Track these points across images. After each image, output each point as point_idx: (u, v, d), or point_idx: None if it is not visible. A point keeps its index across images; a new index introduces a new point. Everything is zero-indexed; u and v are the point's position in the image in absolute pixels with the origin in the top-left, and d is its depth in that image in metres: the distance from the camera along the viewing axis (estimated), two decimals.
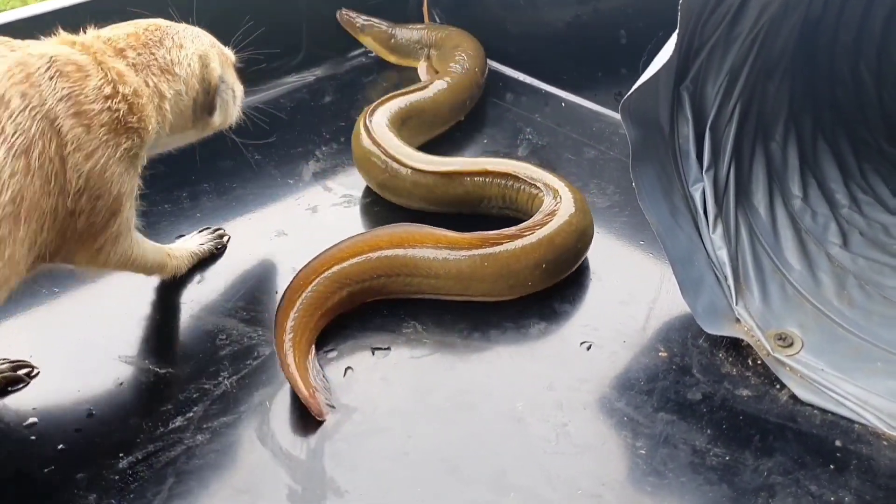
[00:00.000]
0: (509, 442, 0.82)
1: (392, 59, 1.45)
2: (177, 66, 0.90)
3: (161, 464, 0.80)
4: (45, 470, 0.79)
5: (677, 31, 0.84)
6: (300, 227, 1.11)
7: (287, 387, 0.87)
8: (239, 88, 1.01)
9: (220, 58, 0.97)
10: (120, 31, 0.91)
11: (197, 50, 0.93)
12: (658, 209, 0.91)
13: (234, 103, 0.99)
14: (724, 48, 0.93)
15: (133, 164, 0.88)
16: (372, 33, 1.44)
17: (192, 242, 1.05)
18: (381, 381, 0.88)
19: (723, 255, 0.93)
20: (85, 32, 0.90)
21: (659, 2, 1.18)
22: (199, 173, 1.17)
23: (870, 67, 1.19)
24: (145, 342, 0.94)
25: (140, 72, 0.87)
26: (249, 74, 1.29)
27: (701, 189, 0.94)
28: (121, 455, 0.81)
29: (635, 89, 0.86)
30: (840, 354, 0.88)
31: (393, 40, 1.43)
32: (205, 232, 1.07)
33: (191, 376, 0.89)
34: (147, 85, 0.87)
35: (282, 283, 1.01)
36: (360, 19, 1.44)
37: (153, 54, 0.89)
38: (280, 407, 0.85)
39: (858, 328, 0.91)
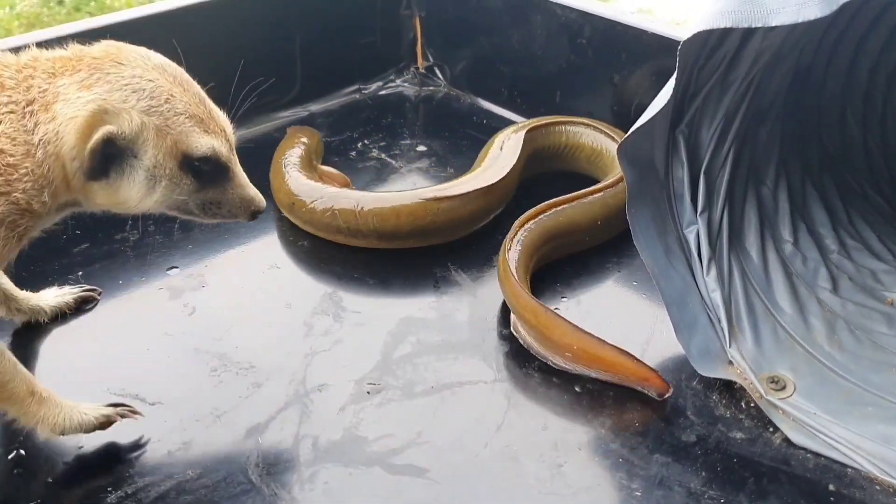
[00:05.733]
0: (504, 482, 0.81)
1: None
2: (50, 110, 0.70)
3: (150, 498, 0.79)
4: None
5: (675, 76, 0.86)
6: (293, 261, 1.11)
7: (278, 420, 0.86)
8: (167, 167, 0.75)
9: (140, 119, 0.73)
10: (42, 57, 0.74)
11: (94, 100, 0.71)
12: (653, 250, 0.92)
13: (147, 182, 0.75)
14: (719, 94, 0.95)
15: None
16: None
17: (50, 294, 0.98)
18: (373, 419, 0.88)
19: (716, 297, 0.94)
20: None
21: (650, 48, 1.21)
22: None
23: (856, 115, 1.22)
24: (136, 375, 0.92)
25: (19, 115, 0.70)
26: (244, 110, 1.31)
27: (695, 231, 0.95)
28: (109, 489, 0.80)
29: (632, 132, 0.87)
30: (831, 398, 0.89)
31: None
32: (74, 288, 1.00)
33: (181, 410, 0.88)
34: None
35: (273, 316, 1.01)
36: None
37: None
38: (271, 443, 0.84)
39: (848, 372, 0.91)
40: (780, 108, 1.07)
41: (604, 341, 0.90)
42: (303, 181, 1.15)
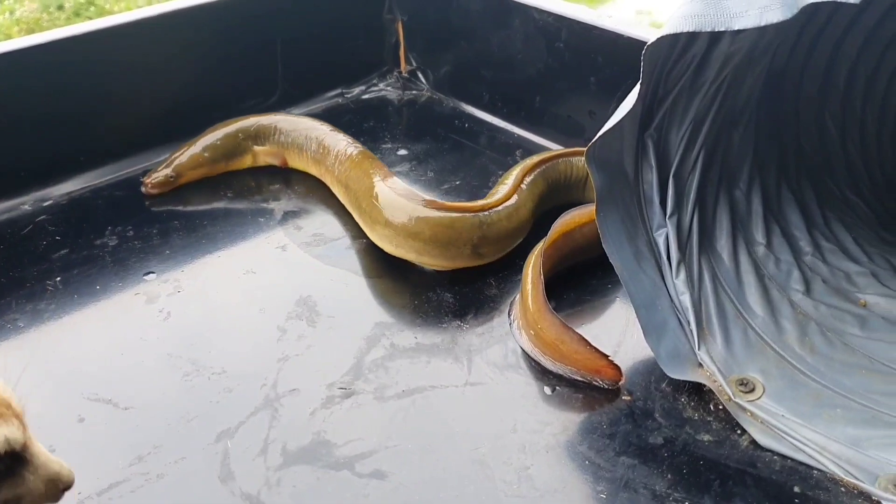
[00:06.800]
0: (472, 485, 0.82)
1: (221, 169, 1.28)
2: None
3: (118, 502, 0.79)
4: None
5: (640, 79, 0.86)
6: (269, 266, 1.11)
7: (248, 425, 0.87)
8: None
9: None
10: None
11: None
12: (622, 254, 0.92)
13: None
14: (688, 97, 0.95)
15: None
16: (185, 165, 1.25)
17: None
18: (343, 423, 0.88)
19: (686, 300, 0.94)
20: None
21: (627, 51, 1.21)
22: (171, 210, 1.18)
23: (834, 119, 1.22)
24: (109, 380, 0.93)
25: None
26: (226, 114, 1.32)
27: (664, 235, 0.96)
28: (78, 493, 0.80)
29: (600, 136, 0.87)
30: (800, 401, 0.89)
31: (207, 153, 1.27)
32: None
33: (152, 414, 0.89)
34: None
35: (247, 321, 1.01)
36: (164, 171, 1.24)
37: None
38: (240, 447, 0.85)
39: (819, 375, 0.92)
40: (754, 112, 1.07)
41: (569, 330, 0.92)
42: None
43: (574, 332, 0.92)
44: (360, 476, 0.82)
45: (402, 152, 1.37)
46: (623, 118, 0.86)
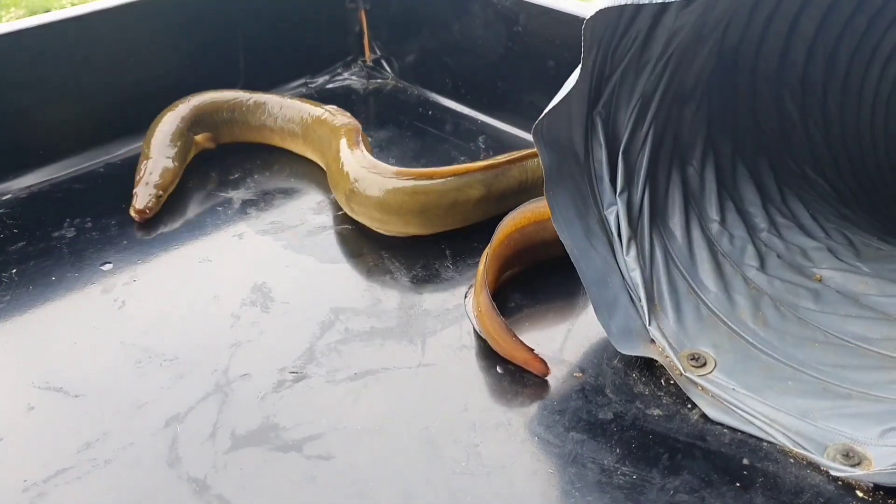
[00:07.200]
0: (419, 464, 0.81)
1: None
2: None
3: (65, 487, 0.79)
4: None
5: (582, 54, 0.86)
6: (225, 254, 1.11)
7: (198, 410, 0.86)
8: None
9: None
10: None
11: None
12: (573, 231, 0.92)
13: None
14: (634, 74, 0.95)
15: None
16: (166, 182, 1.20)
17: None
18: (294, 406, 0.88)
19: (636, 276, 0.94)
20: None
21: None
22: (129, 200, 1.18)
23: (794, 97, 1.22)
24: (61, 369, 0.93)
25: None
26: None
27: (615, 212, 0.95)
28: (25, 480, 0.80)
29: (545, 114, 0.87)
30: (752, 374, 0.89)
31: (176, 162, 1.23)
32: None
33: (103, 402, 0.88)
34: None
35: (200, 308, 1.01)
36: (149, 193, 1.18)
37: None
38: (188, 432, 0.84)
39: (772, 348, 0.92)
40: (706, 90, 1.07)
41: (504, 326, 0.91)
42: None
43: (502, 322, 0.91)
44: (307, 458, 0.82)
45: None
46: (569, 94, 0.86)
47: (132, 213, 1.16)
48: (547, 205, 0.92)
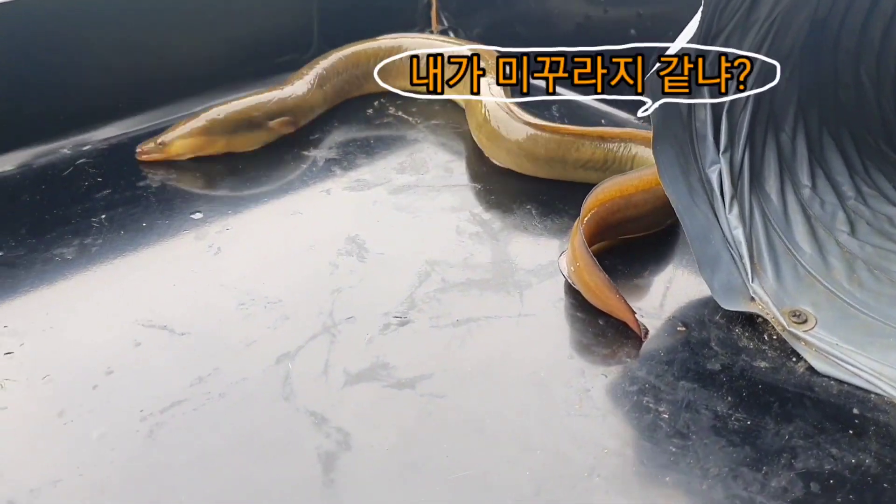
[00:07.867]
0: (533, 405, 0.82)
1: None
2: None
3: (182, 418, 0.79)
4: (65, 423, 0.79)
5: (700, 11, 0.87)
6: (315, 208, 1.11)
7: (307, 349, 0.87)
8: None
9: None
10: None
11: None
12: (677, 188, 0.93)
13: None
14: (740, 35, 0.96)
15: None
16: (187, 137, 1.20)
17: None
18: (401, 348, 0.88)
19: (739, 234, 0.95)
20: None
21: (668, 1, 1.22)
22: (213, 157, 1.18)
23: (869, 73, 1.23)
24: (162, 308, 0.93)
25: None
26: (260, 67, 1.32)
27: (717, 171, 0.96)
28: (141, 410, 0.80)
29: (654, 70, 0.88)
30: (853, 331, 0.90)
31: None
32: None
33: (210, 340, 0.89)
34: None
35: (297, 257, 1.02)
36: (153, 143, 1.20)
37: None
38: (301, 369, 0.85)
39: (869, 308, 0.93)
40: (798, 58, 1.08)
41: (607, 281, 0.91)
42: None
43: (604, 277, 0.91)
44: (422, 395, 0.83)
45: (436, 107, 1.37)
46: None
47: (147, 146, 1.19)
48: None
